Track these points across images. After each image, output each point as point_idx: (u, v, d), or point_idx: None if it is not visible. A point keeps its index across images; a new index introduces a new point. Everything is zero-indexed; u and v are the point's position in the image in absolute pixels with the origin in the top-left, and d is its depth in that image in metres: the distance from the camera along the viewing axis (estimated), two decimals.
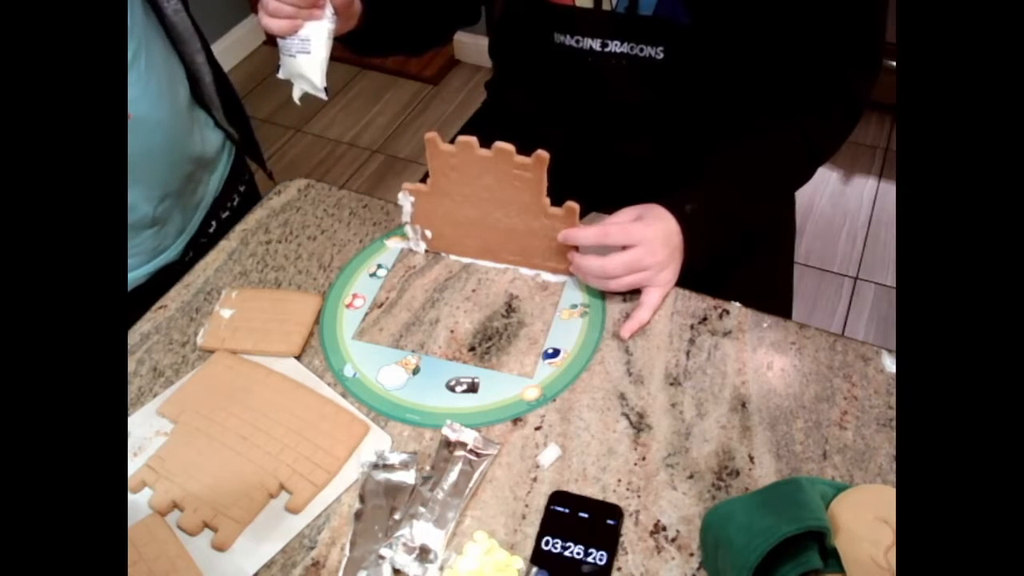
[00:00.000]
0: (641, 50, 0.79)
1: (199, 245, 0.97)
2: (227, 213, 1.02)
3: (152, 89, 0.83)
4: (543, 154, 0.70)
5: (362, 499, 0.62)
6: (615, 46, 0.80)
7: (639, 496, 0.62)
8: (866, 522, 0.54)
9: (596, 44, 0.81)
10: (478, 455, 0.64)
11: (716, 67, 0.81)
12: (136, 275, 0.91)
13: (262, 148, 1.08)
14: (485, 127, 0.93)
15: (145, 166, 0.85)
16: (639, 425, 0.67)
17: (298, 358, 0.74)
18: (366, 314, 0.78)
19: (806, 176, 0.85)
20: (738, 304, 0.76)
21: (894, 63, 0.45)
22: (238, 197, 1.05)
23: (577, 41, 0.81)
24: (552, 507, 0.61)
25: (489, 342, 0.74)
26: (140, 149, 0.82)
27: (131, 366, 0.74)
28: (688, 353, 0.72)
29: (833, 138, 0.83)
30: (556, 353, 0.73)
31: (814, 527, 0.52)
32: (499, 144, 0.70)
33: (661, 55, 0.79)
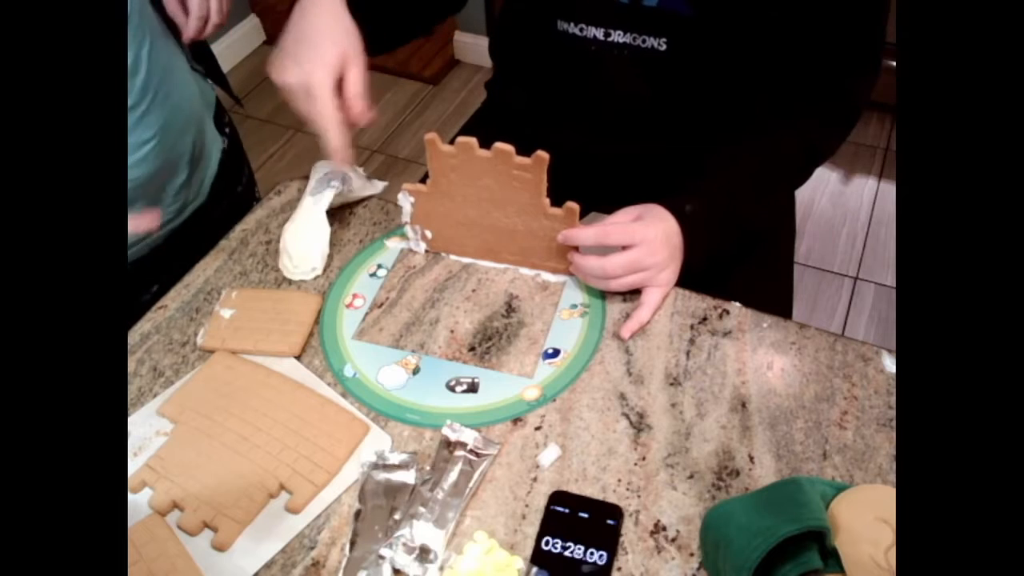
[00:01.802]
0: (644, 41, 0.79)
1: (219, 189, 1.02)
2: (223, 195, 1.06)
3: (162, 52, 0.85)
4: (543, 155, 0.70)
5: (362, 499, 0.62)
6: (618, 36, 0.80)
7: (639, 496, 0.62)
8: (866, 522, 0.54)
9: (599, 33, 0.81)
10: (478, 455, 0.64)
11: (717, 62, 0.81)
12: (172, 225, 0.94)
13: (232, 88, 1.09)
14: (485, 127, 0.93)
15: (179, 135, 0.88)
16: (639, 425, 0.67)
17: (298, 358, 0.74)
18: (366, 314, 0.78)
19: (804, 176, 0.85)
20: (738, 304, 0.76)
21: (894, 63, 0.45)
22: (241, 188, 1.08)
23: (581, 29, 0.81)
24: (552, 507, 0.61)
25: (489, 342, 0.74)
26: (173, 124, 0.85)
27: (131, 366, 0.74)
28: (688, 353, 0.72)
29: (832, 139, 0.84)
30: (556, 353, 0.73)
31: (814, 527, 0.52)
32: (499, 145, 0.70)
33: (664, 47, 0.79)
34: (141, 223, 0.72)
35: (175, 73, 0.89)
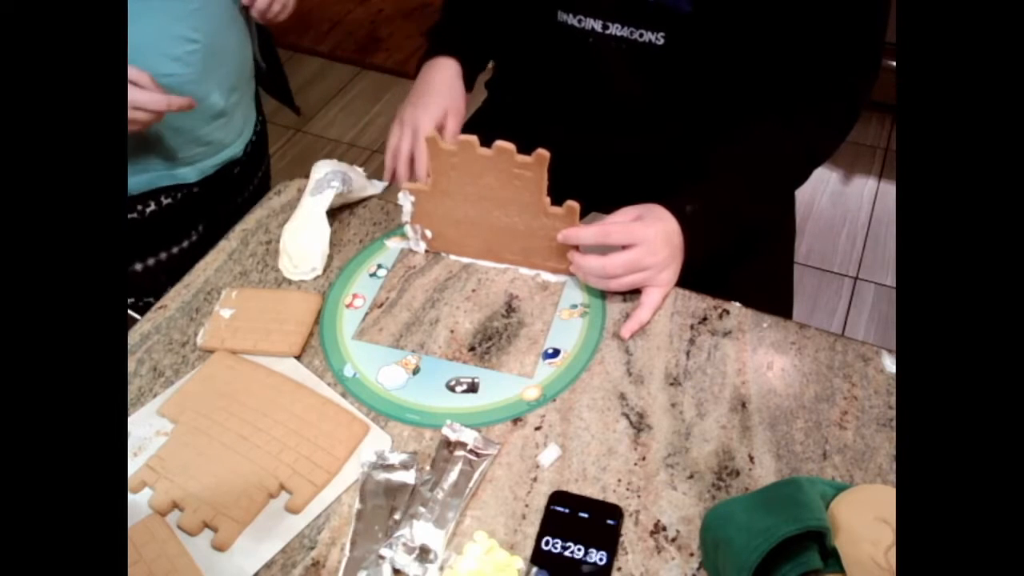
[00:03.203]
0: (641, 35, 0.79)
1: (256, 147, 1.08)
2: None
3: None
4: (543, 153, 0.70)
5: (362, 499, 0.62)
6: (616, 29, 0.80)
7: (639, 496, 0.62)
8: (866, 522, 0.54)
9: (597, 25, 0.81)
10: (478, 455, 0.64)
11: (715, 58, 0.80)
12: (204, 166, 0.98)
13: (289, 82, 1.16)
14: (485, 127, 0.93)
15: (220, 57, 0.92)
16: (639, 425, 0.67)
17: (298, 358, 0.74)
18: (366, 314, 0.78)
19: (804, 177, 0.85)
20: (738, 304, 0.76)
21: (894, 63, 0.45)
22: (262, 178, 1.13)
23: (579, 21, 0.81)
24: (552, 507, 0.61)
25: (489, 342, 0.74)
26: (217, 40, 0.89)
27: (131, 366, 0.74)
28: (688, 353, 0.72)
29: (831, 139, 0.83)
30: (556, 353, 0.73)
31: (814, 527, 0.52)
32: (500, 143, 0.70)
33: (661, 40, 0.79)
34: (177, 102, 0.79)
35: (237, 22, 0.94)
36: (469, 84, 0.94)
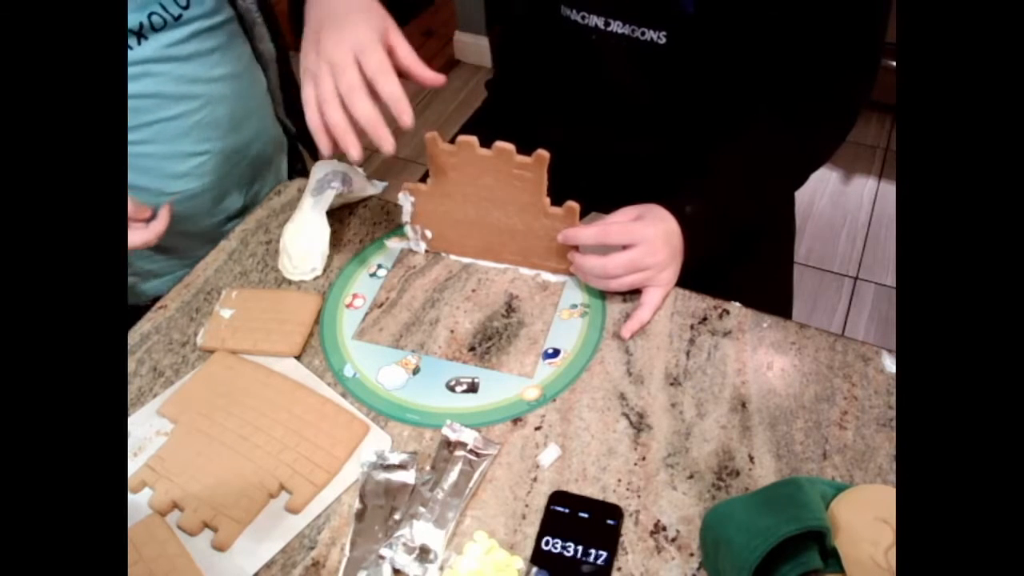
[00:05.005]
0: (643, 33, 0.79)
1: None
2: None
3: (243, 82, 0.87)
4: (543, 153, 0.70)
5: (362, 499, 0.62)
6: (617, 26, 0.80)
7: (639, 496, 0.62)
8: (866, 522, 0.54)
9: (600, 22, 0.81)
10: (478, 455, 0.64)
11: (716, 58, 0.80)
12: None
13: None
14: (485, 127, 0.92)
15: (237, 157, 0.88)
16: (639, 425, 0.67)
17: (298, 358, 0.74)
18: (366, 314, 0.78)
19: (803, 178, 0.85)
20: (738, 304, 0.76)
21: (894, 63, 0.45)
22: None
23: (583, 17, 0.81)
24: (552, 507, 0.61)
25: (489, 342, 0.74)
26: (230, 143, 0.85)
27: (131, 366, 0.74)
28: (688, 353, 0.72)
29: (830, 140, 0.84)
30: (556, 353, 0.73)
31: (814, 527, 0.52)
32: (499, 143, 0.70)
33: (663, 39, 0.79)
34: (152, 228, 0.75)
35: (253, 109, 0.90)
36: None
